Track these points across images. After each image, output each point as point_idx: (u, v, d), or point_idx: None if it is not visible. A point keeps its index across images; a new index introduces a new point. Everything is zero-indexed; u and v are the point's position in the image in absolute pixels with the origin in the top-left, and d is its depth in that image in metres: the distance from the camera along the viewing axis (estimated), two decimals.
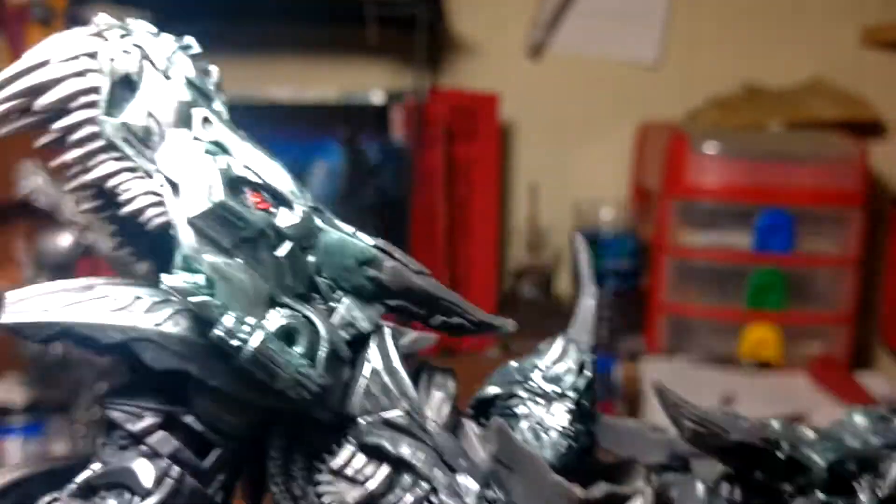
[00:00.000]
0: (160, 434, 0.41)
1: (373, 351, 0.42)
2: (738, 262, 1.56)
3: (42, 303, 0.39)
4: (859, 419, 0.51)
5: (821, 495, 0.48)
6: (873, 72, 1.79)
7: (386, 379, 0.42)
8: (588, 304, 0.49)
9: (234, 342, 0.37)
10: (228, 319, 0.37)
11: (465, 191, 1.68)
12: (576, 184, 1.85)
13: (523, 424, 0.45)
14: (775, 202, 1.54)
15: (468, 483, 0.41)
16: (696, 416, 0.47)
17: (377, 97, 1.64)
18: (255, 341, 0.37)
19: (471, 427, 0.45)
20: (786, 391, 1.48)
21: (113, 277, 0.41)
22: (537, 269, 1.77)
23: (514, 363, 0.48)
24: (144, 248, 0.42)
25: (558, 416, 0.45)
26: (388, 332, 0.43)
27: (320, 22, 1.75)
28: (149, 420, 0.41)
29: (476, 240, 1.70)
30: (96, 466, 0.42)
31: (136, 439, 0.41)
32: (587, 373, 0.47)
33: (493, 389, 0.47)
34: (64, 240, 1.13)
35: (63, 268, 1.16)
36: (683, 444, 0.50)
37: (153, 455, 0.41)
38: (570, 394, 0.46)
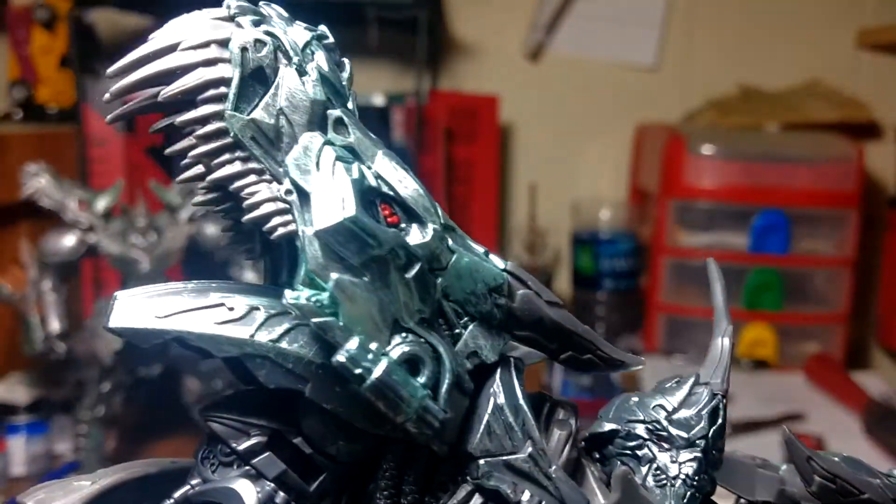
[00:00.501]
0: (267, 456, 0.38)
1: (497, 384, 0.39)
2: (735, 262, 1.57)
3: (154, 307, 0.36)
4: None
5: None
6: (869, 74, 1.80)
7: (510, 417, 0.39)
8: (723, 343, 0.46)
9: (357, 370, 0.34)
10: (352, 344, 0.34)
11: (465, 191, 1.70)
12: (575, 184, 1.86)
13: (644, 469, 0.43)
14: (772, 203, 1.55)
15: None
16: (827, 472, 0.45)
17: (378, 99, 1.65)
18: (378, 371, 0.34)
19: (590, 469, 0.42)
20: (782, 390, 1.49)
21: (227, 282, 0.38)
22: (537, 269, 1.78)
23: (634, 398, 0.45)
24: (259, 247, 0.39)
25: (685, 466, 0.43)
26: (514, 364, 0.40)
27: (321, 24, 1.76)
28: (255, 439, 0.38)
29: (476, 239, 1.71)
30: (195, 482, 0.39)
31: (241, 458, 0.39)
32: (720, 420, 0.44)
33: (609, 425, 0.44)
34: (68, 240, 1.14)
35: (67, 268, 1.17)
36: (794, 483, 0.47)
37: (257, 477, 0.38)
38: (700, 442, 0.43)
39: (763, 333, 1.57)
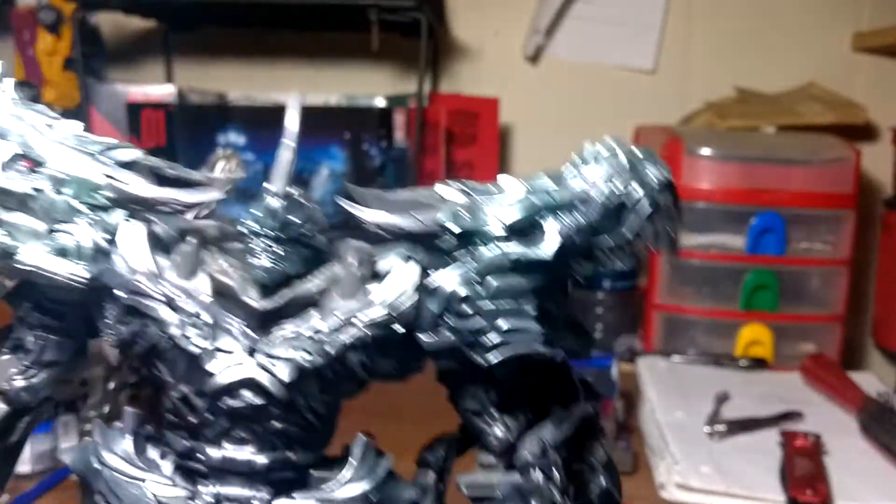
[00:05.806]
0: None
1: None
2: (733, 262, 1.58)
3: None
4: None
5: None
6: (865, 76, 1.82)
7: None
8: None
9: None
10: None
11: None
12: None
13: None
14: (769, 204, 1.57)
15: None
16: None
17: (380, 101, 1.66)
18: None
19: None
20: (779, 389, 1.50)
21: None
22: None
23: None
24: None
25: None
26: None
27: (324, 28, 1.77)
28: None
29: None
30: None
31: None
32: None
33: None
34: None
35: None
36: None
37: None
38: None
39: (760, 333, 1.58)
